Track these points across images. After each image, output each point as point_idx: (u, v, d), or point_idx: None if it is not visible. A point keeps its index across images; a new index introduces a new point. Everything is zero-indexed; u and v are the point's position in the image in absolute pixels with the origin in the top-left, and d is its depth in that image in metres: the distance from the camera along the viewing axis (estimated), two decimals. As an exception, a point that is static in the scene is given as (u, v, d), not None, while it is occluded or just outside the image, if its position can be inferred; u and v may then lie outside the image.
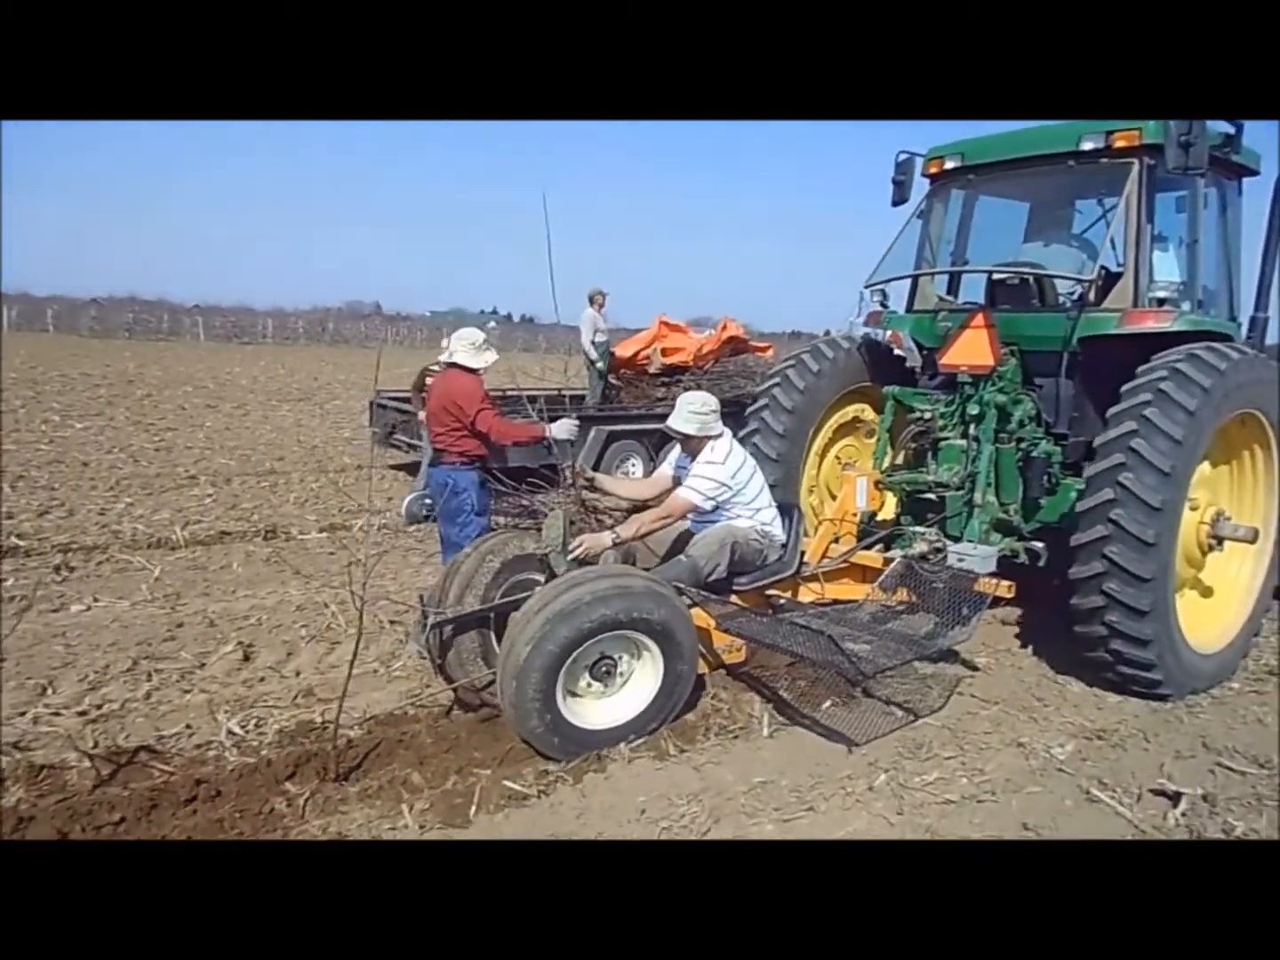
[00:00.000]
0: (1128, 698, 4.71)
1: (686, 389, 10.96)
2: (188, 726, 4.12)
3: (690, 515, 4.78)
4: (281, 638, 5.35)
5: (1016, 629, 5.86)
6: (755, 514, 4.74)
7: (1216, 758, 4.03)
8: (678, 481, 4.85)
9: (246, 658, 5.01)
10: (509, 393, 10.10)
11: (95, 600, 5.87)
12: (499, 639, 4.17)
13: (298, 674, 4.83)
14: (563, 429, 5.31)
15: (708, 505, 4.59)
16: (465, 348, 5.24)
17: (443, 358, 5.76)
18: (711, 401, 4.72)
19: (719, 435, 4.73)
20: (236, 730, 4.09)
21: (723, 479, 4.60)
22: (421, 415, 8.04)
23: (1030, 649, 5.50)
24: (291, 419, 16.30)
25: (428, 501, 8.09)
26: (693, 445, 4.73)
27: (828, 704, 4.46)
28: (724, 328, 11.96)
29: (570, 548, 4.28)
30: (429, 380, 8.12)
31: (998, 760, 3.97)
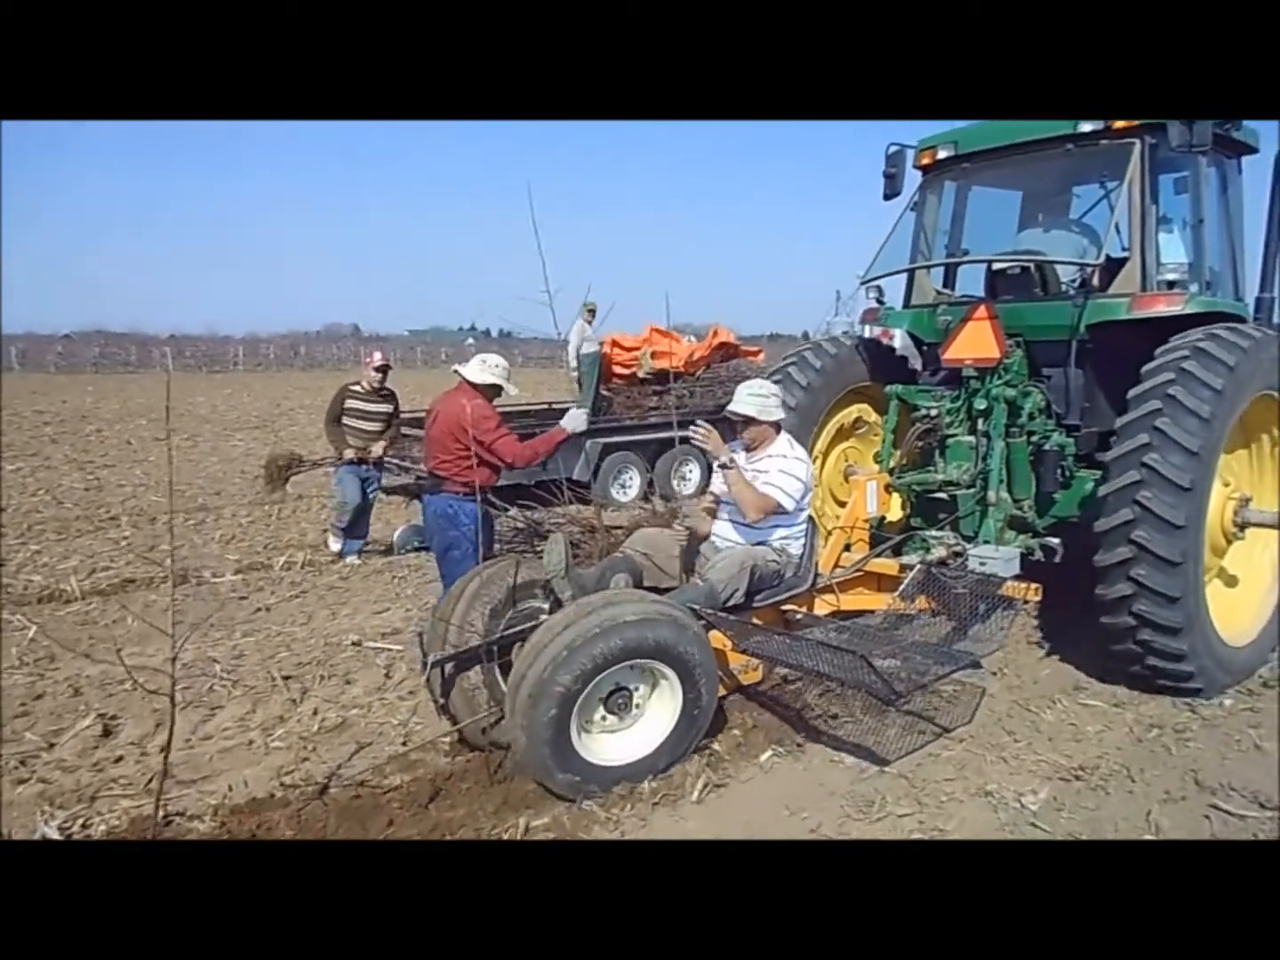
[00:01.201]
0: (1109, 726, 4.27)
1: (679, 395, 10.84)
2: (-5, 834, 3.41)
3: (721, 529, 4.60)
4: (154, 705, 4.55)
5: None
6: (804, 523, 4.59)
7: (1210, 798, 3.60)
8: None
9: (106, 733, 4.34)
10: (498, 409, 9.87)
11: (-50, 672, 5.07)
12: (505, 673, 3.92)
13: (162, 750, 4.15)
14: (574, 420, 5.21)
15: (791, 506, 4.42)
16: (476, 364, 5.07)
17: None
18: (770, 386, 4.63)
19: (780, 429, 4.62)
20: (56, 835, 3.41)
21: (807, 479, 4.49)
22: (350, 453, 7.43)
23: (1000, 669, 4.95)
24: (241, 449, 15.65)
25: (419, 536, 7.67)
26: (752, 433, 4.55)
27: (766, 755, 3.97)
28: (715, 334, 11.82)
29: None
30: (351, 403, 7.53)
31: (961, 815, 3.47)
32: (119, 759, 4.11)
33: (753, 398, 4.49)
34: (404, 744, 4.20)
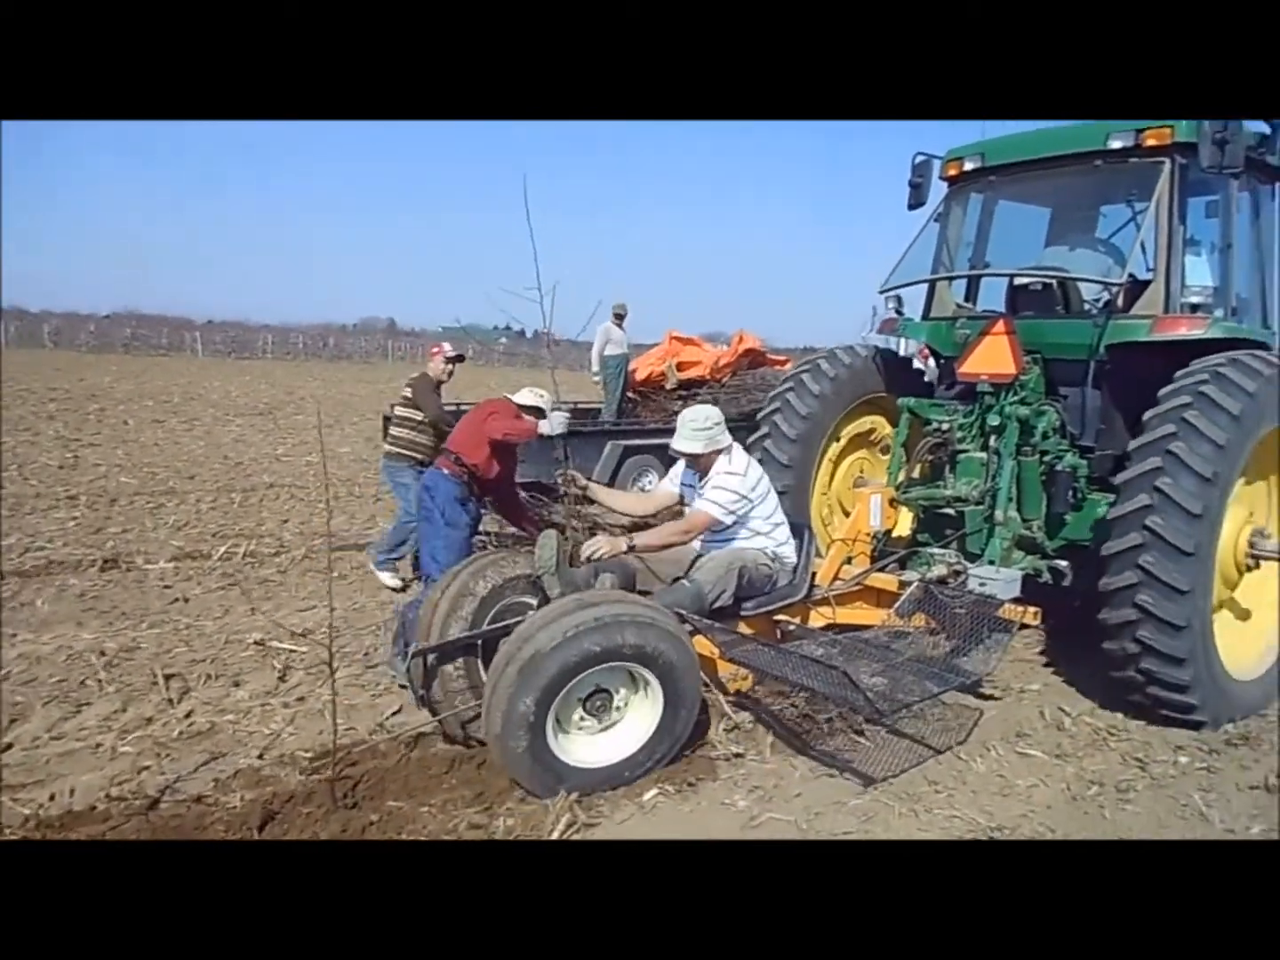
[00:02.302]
0: (1043, 781, 3.86)
1: (703, 402, 10.72)
2: None
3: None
4: (17, 698, 4.39)
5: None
6: (772, 530, 4.48)
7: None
8: (683, 499, 4.58)
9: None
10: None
11: None
12: (487, 667, 3.87)
13: (8, 748, 3.92)
14: (550, 423, 5.18)
15: (728, 520, 4.34)
16: (526, 391, 5.43)
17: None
18: (714, 414, 4.47)
19: (729, 447, 4.49)
20: None
21: (744, 491, 4.35)
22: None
23: (937, 710, 4.50)
24: (235, 434, 15.55)
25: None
26: (702, 463, 4.48)
27: (651, 793, 3.58)
28: (740, 340, 11.72)
29: (584, 549, 4.03)
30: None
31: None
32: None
33: (698, 433, 4.37)
34: (260, 756, 3.93)
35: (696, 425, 4.38)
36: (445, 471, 5.23)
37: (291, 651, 5.19)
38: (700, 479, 4.52)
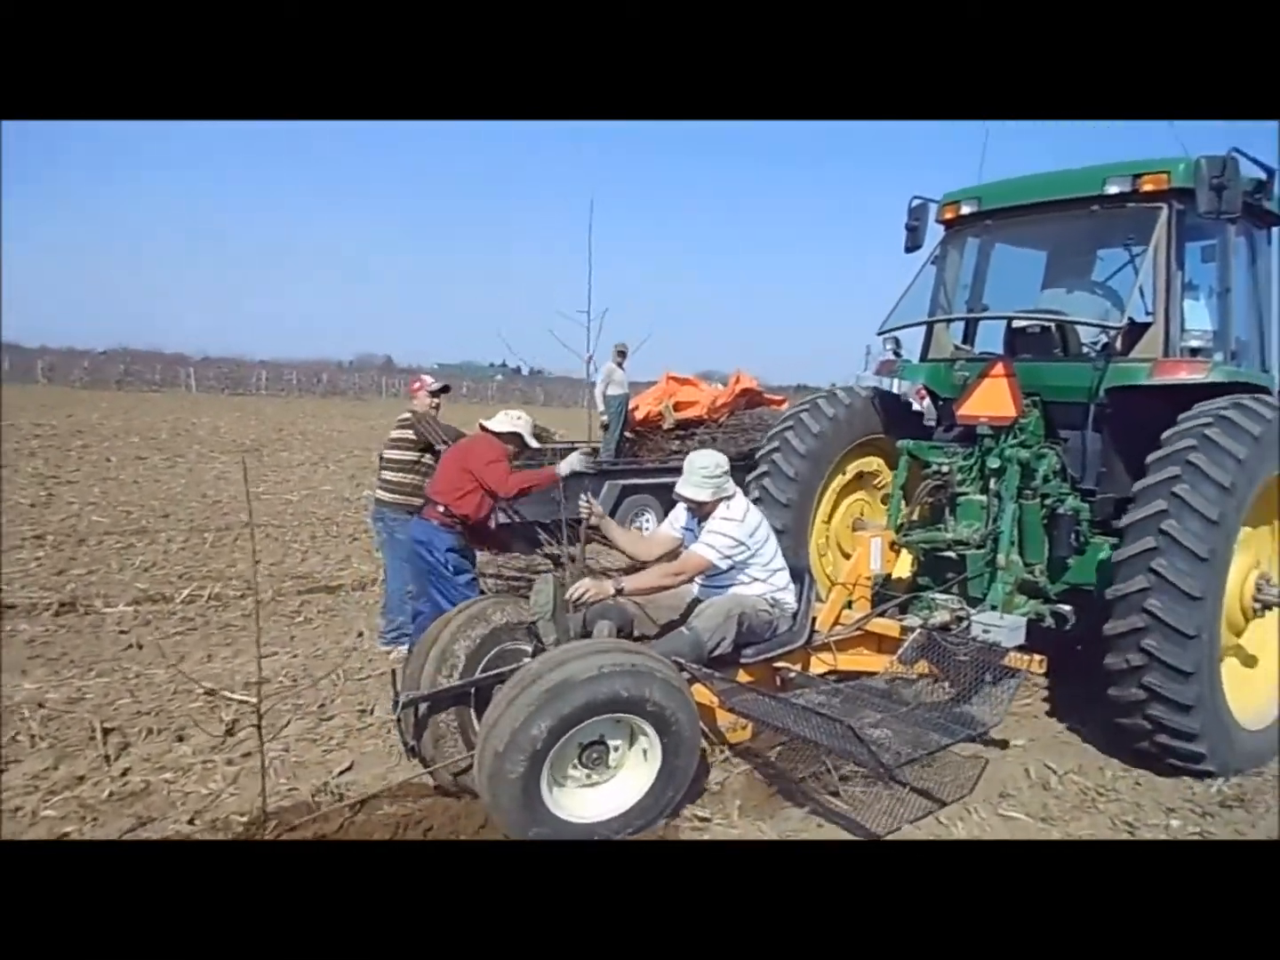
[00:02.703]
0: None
1: (701, 442, 10.69)
2: None
3: (699, 578, 4.42)
4: None
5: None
6: (770, 576, 4.40)
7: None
8: (684, 544, 4.52)
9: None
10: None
11: None
12: (480, 717, 3.75)
13: None
14: (573, 463, 5.09)
15: (723, 564, 4.26)
16: (500, 416, 5.31)
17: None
18: (723, 462, 4.39)
19: (732, 495, 4.42)
20: None
21: (740, 537, 4.26)
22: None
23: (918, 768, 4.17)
24: (217, 472, 15.22)
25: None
26: (705, 509, 4.39)
27: None
28: (737, 380, 11.71)
29: (570, 592, 3.90)
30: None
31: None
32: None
33: (707, 480, 4.28)
34: (192, 821, 3.68)
35: (707, 473, 4.30)
36: (435, 523, 5.06)
37: (242, 702, 4.82)
38: (700, 524, 4.45)
